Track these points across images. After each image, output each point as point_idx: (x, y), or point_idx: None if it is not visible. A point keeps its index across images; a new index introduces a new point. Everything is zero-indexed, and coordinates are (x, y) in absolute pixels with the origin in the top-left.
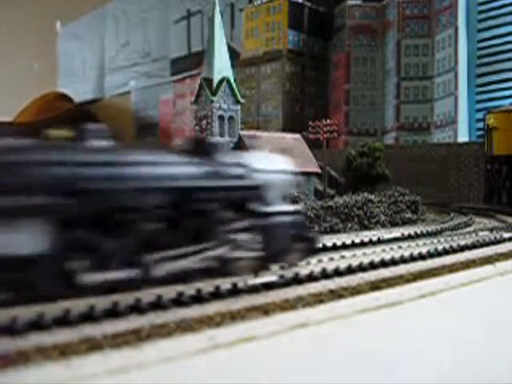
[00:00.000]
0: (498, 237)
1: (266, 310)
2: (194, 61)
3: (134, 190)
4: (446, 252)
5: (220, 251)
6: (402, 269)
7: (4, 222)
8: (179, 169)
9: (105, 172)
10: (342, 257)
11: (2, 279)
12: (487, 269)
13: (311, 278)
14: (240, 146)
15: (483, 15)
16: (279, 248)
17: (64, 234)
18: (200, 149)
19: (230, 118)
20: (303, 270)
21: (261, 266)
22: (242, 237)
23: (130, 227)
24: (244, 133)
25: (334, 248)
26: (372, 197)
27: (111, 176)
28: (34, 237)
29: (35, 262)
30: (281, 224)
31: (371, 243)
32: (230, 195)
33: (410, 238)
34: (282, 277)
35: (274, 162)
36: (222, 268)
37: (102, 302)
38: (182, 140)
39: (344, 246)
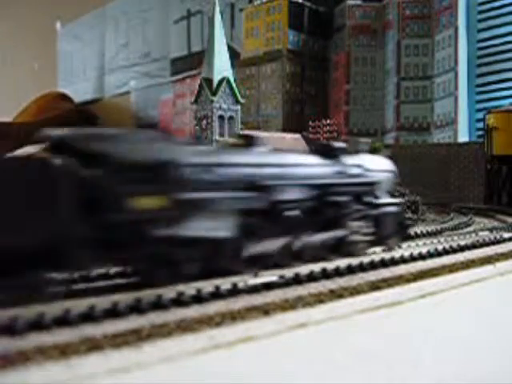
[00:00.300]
0: (497, 237)
1: (265, 310)
2: (194, 61)
3: (291, 185)
4: (446, 252)
5: (343, 233)
6: (401, 269)
7: (207, 212)
8: (318, 169)
9: (272, 171)
10: None
11: (199, 256)
12: (487, 269)
13: (311, 277)
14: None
15: (483, 15)
16: (386, 233)
17: (244, 220)
18: (327, 151)
19: (230, 117)
20: (303, 269)
21: (369, 247)
22: (361, 224)
23: (287, 216)
24: (244, 133)
25: None
26: None
27: (277, 174)
28: (226, 223)
29: (226, 242)
30: (387, 213)
31: None
32: (353, 190)
33: (409, 237)
34: (282, 277)
35: (379, 163)
36: (347, 248)
37: (101, 302)
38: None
39: None
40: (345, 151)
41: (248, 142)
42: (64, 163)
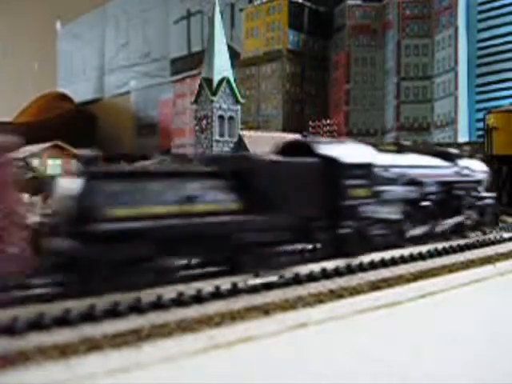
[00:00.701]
0: (497, 237)
1: (266, 310)
2: (194, 61)
3: (431, 182)
4: (446, 252)
5: (462, 219)
6: (401, 269)
7: (386, 201)
8: (446, 170)
9: (422, 171)
10: None
11: (381, 232)
12: (487, 269)
13: (311, 277)
14: (240, 145)
15: (483, 15)
16: (485, 220)
17: (405, 207)
18: (446, 155)
19: (230, 118)
20: (303, 269)
21: (471, 231)
22: (471, 212)
23: (431, 204)
24: (244, 133)
25: None
26: None
27: (424, 173)
28: (396, 208)
29: (396, 223)
30: (487, 205)
31: None
32: (466, 186)
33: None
34: (281, 277)
35: (478, 166)
36: (462, 231)
37: (101, 302)
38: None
39: None
40: (458, 156)
41: (399, 149)
42: (318, 163)
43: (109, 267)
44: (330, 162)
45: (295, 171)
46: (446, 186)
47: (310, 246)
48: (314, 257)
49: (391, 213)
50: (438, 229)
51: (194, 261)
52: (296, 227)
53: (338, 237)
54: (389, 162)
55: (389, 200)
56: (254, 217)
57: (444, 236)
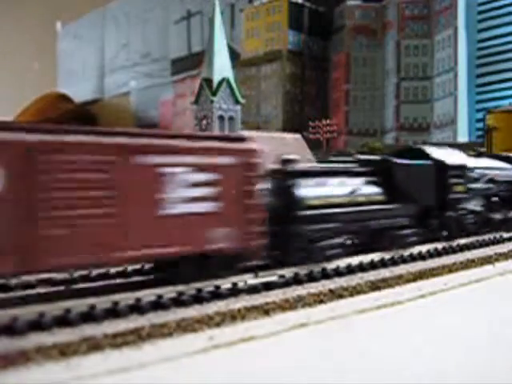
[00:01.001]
0: (497, 237)
1: (266, 310)
2: (194, 61)
3: (502, 181)
4: (446, 252)
5: None
6: (401, 269)
7: (473, 195)
8: (509, 171)
9: (497, 172)
10: None
11: (470, 222)
12: (487, 269)
13: (311, 277)
14: None
15: (483, 15)
16: None
17: (487, 200)
18: (505, 159)
19: (230, 118)
20: (303, 269)
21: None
22: None
23: (496, 200)
24: (244, 133)
25: None
26: None
27: (499, 174)
28: (479, 202)
29: (478, 212)
30: None
31: None
32: None
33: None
34: (281, 277)
35: None
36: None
37: (102, 302)
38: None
39: None
40: None
41: (477, 153)
42: (432, 165)
43: (307, 243)
44: (440, 164)
45: (418, 170)
46: (508, 185)
47: (422, 230)
48: (424, 239)
49: (476, 205)
50: (507, 219)
51: (337, 241)
52: (418, 215)
53: (443, 223)
54: (474, 164)
55: (475, 195)
56: (392, 206)
57: (508, 226)
